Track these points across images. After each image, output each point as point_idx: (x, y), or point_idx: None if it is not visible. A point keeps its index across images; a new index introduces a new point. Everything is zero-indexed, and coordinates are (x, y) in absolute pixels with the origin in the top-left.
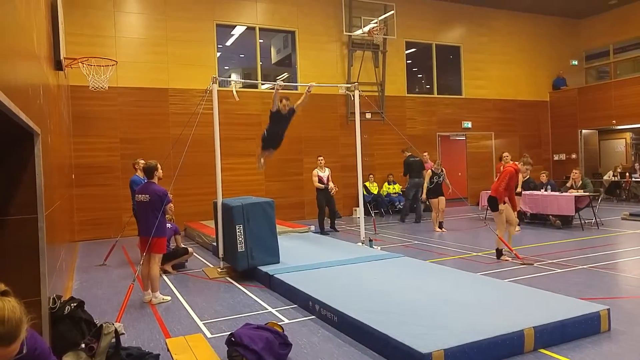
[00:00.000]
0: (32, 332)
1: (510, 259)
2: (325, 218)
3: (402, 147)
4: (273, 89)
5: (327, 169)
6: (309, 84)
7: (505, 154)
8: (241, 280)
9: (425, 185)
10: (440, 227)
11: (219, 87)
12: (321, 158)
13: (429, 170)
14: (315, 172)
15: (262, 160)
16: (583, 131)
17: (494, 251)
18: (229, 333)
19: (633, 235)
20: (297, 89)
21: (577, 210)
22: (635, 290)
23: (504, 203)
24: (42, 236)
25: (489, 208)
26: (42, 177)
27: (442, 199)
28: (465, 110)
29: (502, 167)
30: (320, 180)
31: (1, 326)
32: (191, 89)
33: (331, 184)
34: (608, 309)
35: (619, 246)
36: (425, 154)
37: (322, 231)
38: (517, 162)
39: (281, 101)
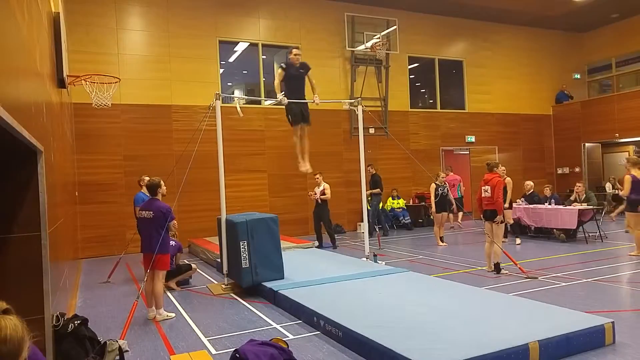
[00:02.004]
0: (34, 349)
1: (507, 271)
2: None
3: (369, 163)
4: (277, 105)
5: (324, 184)
6: (313, 97)
7: (502, 168)
8: (245, 296)
9: (432, 199)
10: (442, 240)
11: (222, 103)
12: (317, 176)
13: (433, 184)
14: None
15: (300, 157)
16: (586, 144)
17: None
18: (233, 349)
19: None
20: None
21: (580, 224)
22: (639, 303)
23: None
24: (45, 254)
25: (490, 221)
26: (45, 194)
27: (444, 214)
28: (469, 124)
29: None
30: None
31: (3, 345)
32: (194, 106)
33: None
34: (612, 322)
35: (623, 259)
36: (450, 167)
37: (320, 244)
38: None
39: (291, 52)
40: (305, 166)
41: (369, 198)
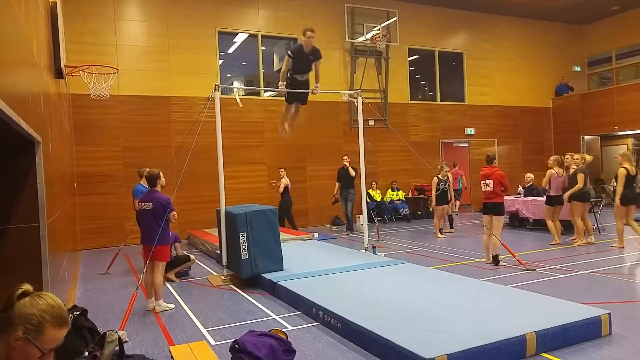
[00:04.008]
0: None
1: (505, 263)
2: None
3: (344, 154)
4: (275, 96)
5: (285, 178)
6: (315, 86)
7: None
8: (245, 287)
9: (433, 192)
10: (441, 232)
11: (221, 94)
12: (281, 170)
13: (435, 178)
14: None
15: (285, 124)
16: (585, 137)
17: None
18: (232, 340)
19: (634, 240)
20: None
21: None
22: (636, 294)
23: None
24: (44, 245)
25: (490, 214)
26: (43, 185)
27: (446, 207)
28: (468, 116)
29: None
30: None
31: (61, 309)
32: (193, 97)
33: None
34: (609, 314)
35: (620, 251)
36: (456, 162)
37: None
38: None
39: (304, 34)
40: (286, 131)
41: (336, 194)
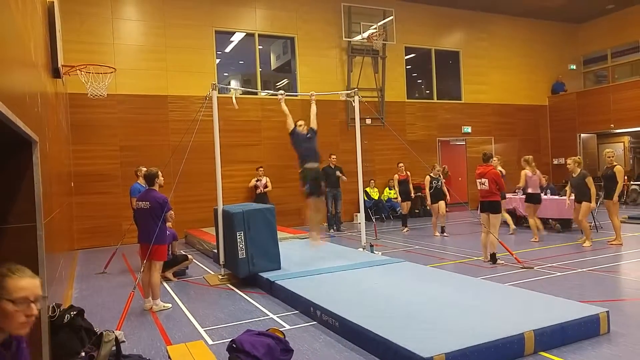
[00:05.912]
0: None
1: (503, 262)
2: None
3: (330, 152)
4: (273, 96)
5: (265, 177)
6: (309, 93)
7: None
8: (242, 286)
9: (427, 190)
10: (442, 231)
11: (219, 93)
12: (260, 169)
13: (427, 177)
14: (252, 181)
15: (314, 233)
16: (582, 135)
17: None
18: (230, 340)
19: (632, 238)
20: (297, 96)
21: None
22: (634, 292)
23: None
24: (40, 244)
25: (487, 213)
26: (40, 185)
27: (441, 203)
28: (465, 115)
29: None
30: (256, 187)
31: (16, 265)
32: (190, 96)
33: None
34: (607, 312)
35: (618, 249)
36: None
37: None
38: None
39: (297, 125)
40: (318, 241)
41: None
